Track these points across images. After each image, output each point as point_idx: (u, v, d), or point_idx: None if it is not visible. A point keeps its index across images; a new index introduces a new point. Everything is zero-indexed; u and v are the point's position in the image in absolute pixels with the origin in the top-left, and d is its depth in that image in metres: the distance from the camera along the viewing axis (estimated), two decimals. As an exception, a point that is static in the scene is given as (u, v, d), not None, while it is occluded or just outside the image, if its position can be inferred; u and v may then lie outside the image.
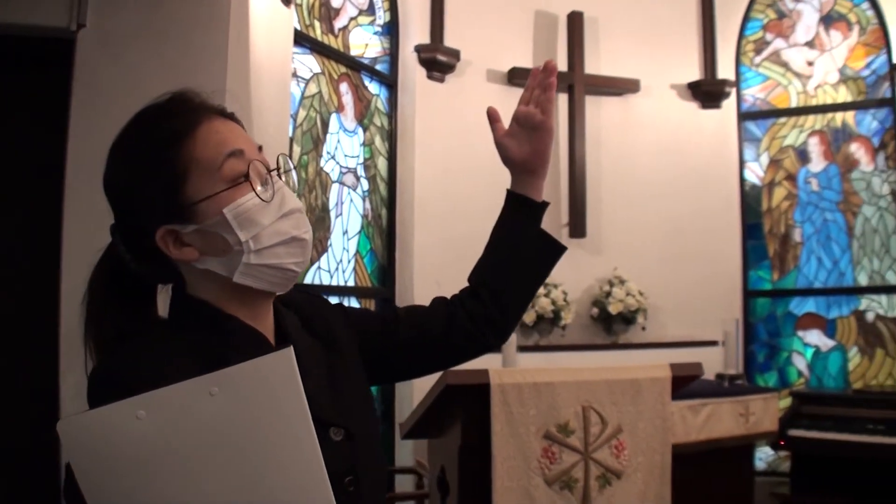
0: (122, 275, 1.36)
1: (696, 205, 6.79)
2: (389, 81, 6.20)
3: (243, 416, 1.02)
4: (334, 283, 5.47)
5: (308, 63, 5.32)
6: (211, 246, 1.29)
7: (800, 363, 6.81)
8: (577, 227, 6.50)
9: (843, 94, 6.82)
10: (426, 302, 1.75)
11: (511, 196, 1.73)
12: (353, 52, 5.87)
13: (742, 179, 7.05)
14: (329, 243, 5.44)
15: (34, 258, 3.74)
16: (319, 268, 5.33)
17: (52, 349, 3.49)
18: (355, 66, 5.86)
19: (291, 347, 1.04)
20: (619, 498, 3.19)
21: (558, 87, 1.73)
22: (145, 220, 1.29)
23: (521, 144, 1.69)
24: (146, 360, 1.22)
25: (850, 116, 6.77)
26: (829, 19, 6.93)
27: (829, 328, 6.72)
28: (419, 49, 6.16)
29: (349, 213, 5.71)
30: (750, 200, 7.06)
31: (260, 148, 1.37)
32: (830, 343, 6.71)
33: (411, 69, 6.20)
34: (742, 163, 7.07)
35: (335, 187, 5.55)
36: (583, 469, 3.14)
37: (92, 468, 1.01)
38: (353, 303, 5.54)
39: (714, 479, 4.45)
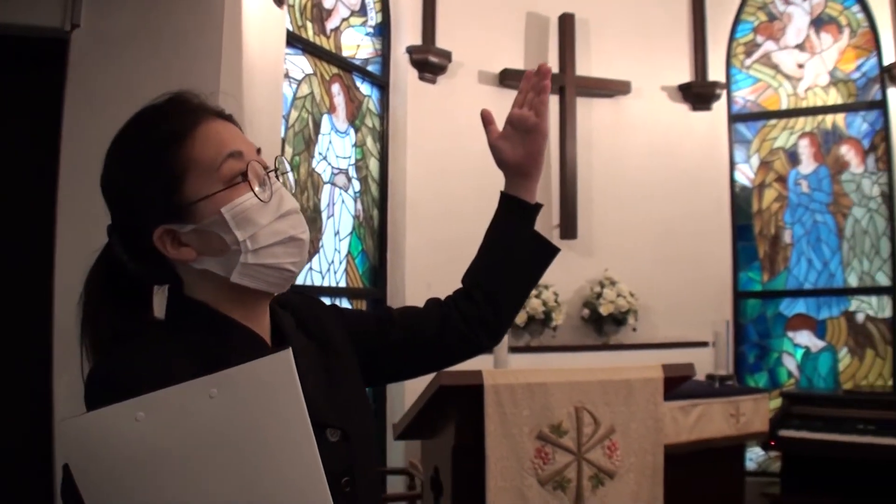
0: (119, 275, 1.36)
1: (686, 206, 6.81)
2: (381, 82, 6.20)
3: (242, 418, 1.03)
4: (326, 283, 5.47)
5: (300, 64, 5.32)
6: (208, 246, 1.29)
7: (790, 364, 6.83)
8: (568, 228, 6.52)
9: (834, 97, 6.85)
10: (417, 303, 1.76)
11: (505, 198, 1.74)
12: (345, 53, 5.88)
13: (732, 181, 7.07)
14: (320, 244, 5.43)
15: (27, 259, 3.72)
16: (311, 269, 5.33)
17: (46, 350, 3.49)
18: (347, 67, 5.86)
19: (290, 349, 1.05)
20: (611, 498, 3.20)
21: (549, 88, 1.75)
22: (143, 220, 1.30)
23: (515, 147, 1.70)
24: (143, 361, 1.22)
25: (840, 119, 6.80)
26: (819, 22, 6.96)
27: (819, 329, 6.75)
28: (411, 50, 6.17)
29: (341, 214, 5.71)
30: (740, 202, 7.08)
31: (259, 150, 1.37)
32: (820, 344, 6.73)
33: (403, 70, 6.21)
34: (732, 164, 7.09)
35: (327, 188, 5.55)
36: (576, 469, 3.15)
37: (91, 469, 1.01)
38: (345, 304, 5.54)
39: (705, 479, 4.47)
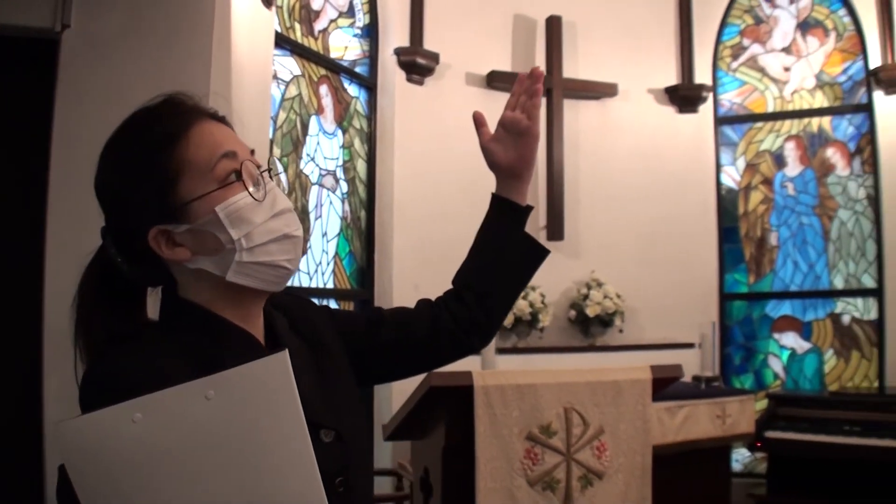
0: (113, 277, 1.36)
1: (673, 208, 6.83)
2: (369, 84, 6.21)
3: (239, 420, 1.03)
4: (313, 285, 5.47)
5: (288, 65, 5.31)
6: (203, 245, 1.30)
7: (776, 365, 6.86)
8: (555, 229, 6.53)
9: (820, 100, 6.88)
10: (405, 304, 1.77)
11: (496, 200, 1.75)
12: (333, 54, 5.87)
13: (718, 183, 7.10)
14: (308, 245, 5.43)
15: (17, 260, 3.71)
16: (298, 270, 5.32)
17: (36, 351, 3.47)
18: (335, 69, 5.86)
19: (286, 351, 1.05)
20: (600, 498, 3.21)
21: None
22: (137, 221, 1.30)
23: (507, 149, 1.71)
24: (138, 362, 1.22)
25: (826, 122, 6.83)
26: (805, 25, 6.99)
27: (804, 331, 6.78)
28: (399, 52, 6.17)
29: (328, 216, 5.71)
30: (726, 204, 7.10)
31: (252, 151, 1.38)
32: (806, 345, 6.76)
33: (391, 72, 6.21)
34: (719, 167, 7.11)
35: (314, 189, 5.55)
36: (565, 470, 3.16)
37: (88, 471, 1.01)
38: (332, 305, 5.54)
39: (691, 480, 4.48)
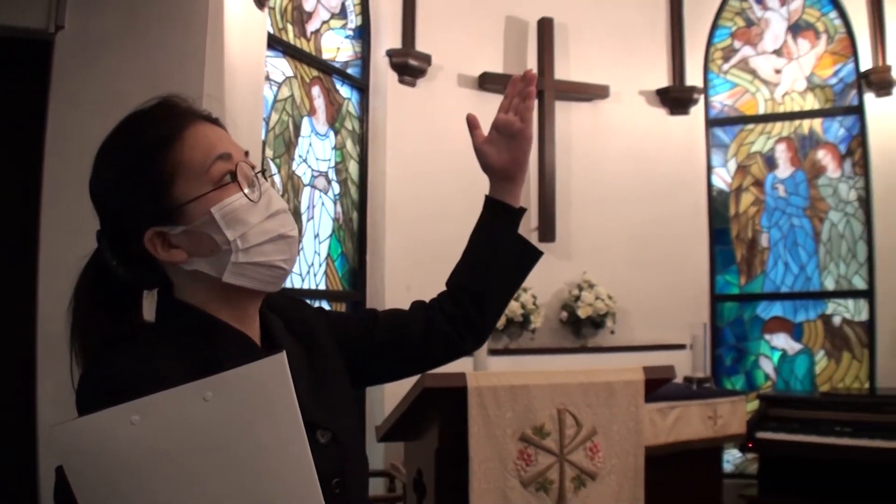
0: (109, 281, 1.36)
1: (664, 210, 6.84)
2: (361, 85, 6.21)
3: (237, 421, 1.03)
4: (305, 286, 5.47)
5: (280, 66, 5.31)
6: (199, 247, 1.30)
7: (767, 366, 6.88)
8: (547, 231, 6.54)
9: (811, 102, 6.91)
10: (397, 305, 1.78)
11: (489, 202, 1.76)
12: (325, 55, 5.87)
13: (710, 185, 7.11)
14: (300, 247, 5.43)
15: (11, 262, 3.69)
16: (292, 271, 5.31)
17: (30, 354, 3.46)
18: (327, 70, 5.86)
19: (284, 353, 1.06)
20: (593, 499, 3.21)
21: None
22: (133, 224, 1.30)
23: (500, 152, 1.72)
24: (134, 364, 1.23)
25: (817, 124, 6.86)
26: (797, 28, 7.02)
27: (795, 332, 6.80)
28: (391, 53, 6.17)
29: (320, 217, 5.70)
30: (717, 206, 7.12)
31: (247, 153, 1.38)
32: (797, 346, 6.78)
33: (383, 73, 6.21)
34: (710, 169, 7.13)
35: (307, 191, 5.55)
36: (558, 471, 3.16)
37: (86, 473, 1.01)
38: (324, 306, 5.54)
39: (682, 481, 4.48)
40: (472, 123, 1.75)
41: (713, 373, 6.61)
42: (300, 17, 5.59)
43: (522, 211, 1.77)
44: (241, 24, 4.31)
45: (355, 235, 6.10)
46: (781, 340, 6.84)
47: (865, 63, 6.55)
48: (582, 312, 6.43)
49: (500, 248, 1.73)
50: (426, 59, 6.28)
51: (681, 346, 6.39)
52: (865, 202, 6.59)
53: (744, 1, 7.20)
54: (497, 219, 1.75)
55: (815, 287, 6.78)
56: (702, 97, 7.09)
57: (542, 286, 6.40)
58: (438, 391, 3.04)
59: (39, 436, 3.44)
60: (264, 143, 4.94)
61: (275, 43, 5.14)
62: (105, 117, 1.38)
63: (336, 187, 5.91)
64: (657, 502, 3.51)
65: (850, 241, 6.67)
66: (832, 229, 6.73)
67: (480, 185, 1.77)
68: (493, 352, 5.91)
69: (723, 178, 7.15)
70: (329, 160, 5.84)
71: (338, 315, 1.72)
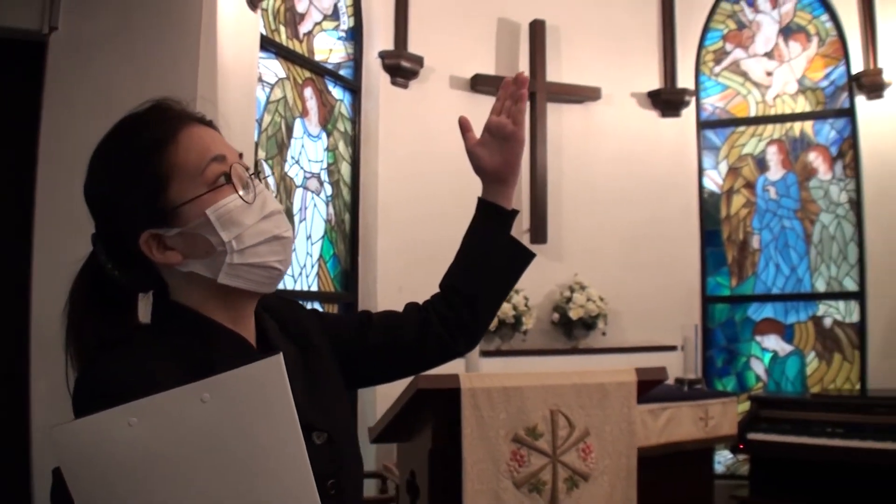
0: (104, 283, 1.36)
1: (655, 212, 6.86)
2: (353, 87, 6.21)
3: (234, 422, 1.04)
4: (298, 287, 5.46)
5: (273, 68, 5.31)
6: (194, 248, 1.30)
7: (758, 368, 6.90)
8: (539, 232, 6.54)
9: (802, 104, 6.92)
10: (390, 306, 1.78)
11: (482, 204, 1.77)
12: (318, 57, 5.87)
13: (701, 187, 7.13)
14: (293, 248, 5.41)
15: (4, 264, 3.68)
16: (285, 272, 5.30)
17: (23, 356, 3.45)
18: (319, 72, 5.85)
19: (281, 354, 1.06)
20: (586, 500, 3.22)
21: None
22: (128, 226, 1.30)
23: (493, 154, 1.73)
24: (129, 366, 1.23)
25: (808, 126, 6.88)
26: (788, 31, 7.04)
27: (786, 333, 6.82)
28: (383, 55, 6.17)
29: (313, 218, 5.70)
30: (709, 208, 7.13)
31: (241, 155, 1.38)
32: (788, 348, 6.80)
33: (375, 75, 6.21)
34: (701, 171, 7.14)
35: (299, 192, 5.55)
36: (551, 472, 3.17)
37: (84, 475, 1.01)
38: (316, 307, 5.53)
39: (674, 482, 4.49)
40: (463, 126, 1.76)
41: (704, 374, 6.62)
42: (293, 19, 5.59)
43: (515, 213, 1.78)
44: (234, 26, 4.31)
45: (347, 237, 6.10)
46: (772, 342, 6.86)
47: (856, 66, 6.57)
48: (573, 314, 6.44)
49: (492, 250, 1.74)
50: (418, 60, 6.29)
51: (672, 348, 6.40)
52: (856, 204, 6.61)
53: (735, 4, 7.22)
54: (490, 221, 1.75)
55: (806, 289, 6.79)
56: (693, 99, 7.10)
57: (533, 288, 6.41)
58: (432, 392, 3.05)
59: (33, 437, 3.43)
60: (257, 145, 4.94)
61: (267, 44, 5.14)
62: (99, 118, 1.38)
63: (328, 189, 5.91)
64: (649, 503, 3.52)
65: (842, 242, 6.69)
66: (823, 231, 6.75)
67: (473, 186, 1.78)
68: (484, 353, 5.91)
69: (714, 180, 7.17)
70: (321, 161, 5.84)
71: (332, 317, 1.73)
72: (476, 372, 4.28)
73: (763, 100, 7.07)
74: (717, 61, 7.24)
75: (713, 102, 7.22)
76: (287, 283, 5.34)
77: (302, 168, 5.59)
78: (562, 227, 6.75)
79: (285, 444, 1.06)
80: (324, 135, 5.88)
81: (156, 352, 1.27)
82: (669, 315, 6.66)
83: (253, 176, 1.36)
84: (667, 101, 7.02)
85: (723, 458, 6.56)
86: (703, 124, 7.18)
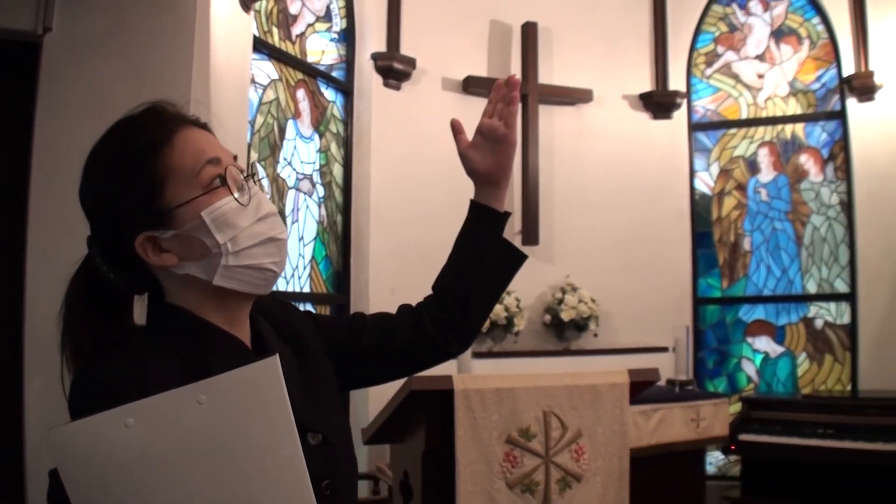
0: (99, 286, 1.36)
1: (647, 213, 6.87)
2: (346, 88, 6.21)
3: (230, 424, 1.04)
4: (290, 289, 5.46)
5: (266, 69, 5.30)
6: (189, 250, 1.31)
7: (749, 369, 6.91)
8: (530, 234, 6.55)
9: (793, 107, 6.94)
10: (382, 307, 1.79)
11: (474, 206, 1.77)
12: (310, 58, 5.87)
13: (692, 189, 7.14)
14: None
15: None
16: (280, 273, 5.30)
17: (17, 357, 3.45)
18: (312, 73, 5.85)
19: (277, 355, 1.06)
20: (578, 501, 3.23)
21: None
22: (124, 229, 1.30)
23: (485, 156, 1.73)
24: (125, 368, 1.23)
25: (799, 128, 6.89)
26: (779, 33, 7.05)
27: (778, 335, 6.83)
28: (375, 57, 6.17)
29: (305, 220, 5.70)
30: (700, 209, 7.15)
31: (235, 157, 1.39)
32: (779, 349, 6.81)
33: (367, 76, 6.21)
34: (692, 173, 7.15)
35: (291, 193, 5.54)
36: (544, 473, 3.18)
37: (80, 476, 1.02)
38: (309, 308, 5.53)
39: (665, 483, 4.50)
40: (456, 128, 1.76)
41: (696, 375, 6.65)
42: (285, 21, 5.59)
43: (507, 215, 1.78)
44: (228, 27, 4.31)
45: (339, 238, 6.10)
46: (764, 343, 6.87)
47: (848, 68, 6.58)
48: (565, 315, 6.45)
49: (485, 253, 1.74)
50: (411, 62, 6.29)
51: (663, 349, 6.42)
52: (847, 206, 6.63)
53: (727, 6, 7.24)
54: (482, 223, 1.76)
55: (797, 290, 6.81)
56: (685, 101, 7.12)
57: (525, 289, 6.42)
58: (425, 394, 3.05)
59: (27, 438, 3.43)
60: (249, 146, 4.94)
61: (260, 46, 5.14)
62: (93, 119, 1.38)
63: (321, 190, 5.91)
64: (641, 504, 3.53)
65: (833, 244, 6.70)
66: (814, 233, 6.77)
67: (465, 188, 1.79)
68: (476, 354, 5.93)
69: (705, 182, 7.18)
70: (314, 163, 5.84)
71: (326, 319, 1.73)
72: (468, 373, 4.29)
73: (754, 102, 7.08)
74: (709, 63, 7.26)
75: (705, 105, 7.24)
76: (279, 285, 5.33)
77: (294, 169, 5.59)
78: (553, 228, 6.76)
79: (281, 446, 1.06)
80: (316, 136, 5.88)
81: (152, 354, 1.28)
82: (661, 316, 6.67)
83: (247, 178, 1.36)
84: (658, 103, 7.03)
85: (714, 459, 6.57)
86: (694, 126, 7.19)
